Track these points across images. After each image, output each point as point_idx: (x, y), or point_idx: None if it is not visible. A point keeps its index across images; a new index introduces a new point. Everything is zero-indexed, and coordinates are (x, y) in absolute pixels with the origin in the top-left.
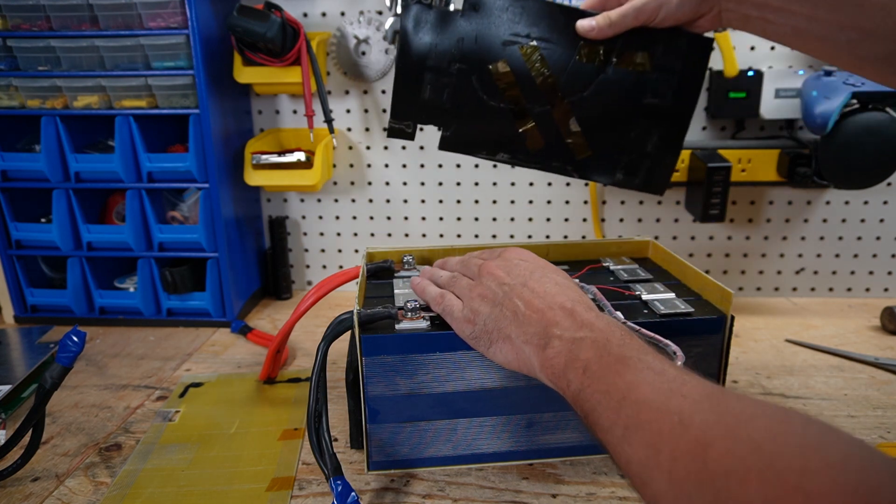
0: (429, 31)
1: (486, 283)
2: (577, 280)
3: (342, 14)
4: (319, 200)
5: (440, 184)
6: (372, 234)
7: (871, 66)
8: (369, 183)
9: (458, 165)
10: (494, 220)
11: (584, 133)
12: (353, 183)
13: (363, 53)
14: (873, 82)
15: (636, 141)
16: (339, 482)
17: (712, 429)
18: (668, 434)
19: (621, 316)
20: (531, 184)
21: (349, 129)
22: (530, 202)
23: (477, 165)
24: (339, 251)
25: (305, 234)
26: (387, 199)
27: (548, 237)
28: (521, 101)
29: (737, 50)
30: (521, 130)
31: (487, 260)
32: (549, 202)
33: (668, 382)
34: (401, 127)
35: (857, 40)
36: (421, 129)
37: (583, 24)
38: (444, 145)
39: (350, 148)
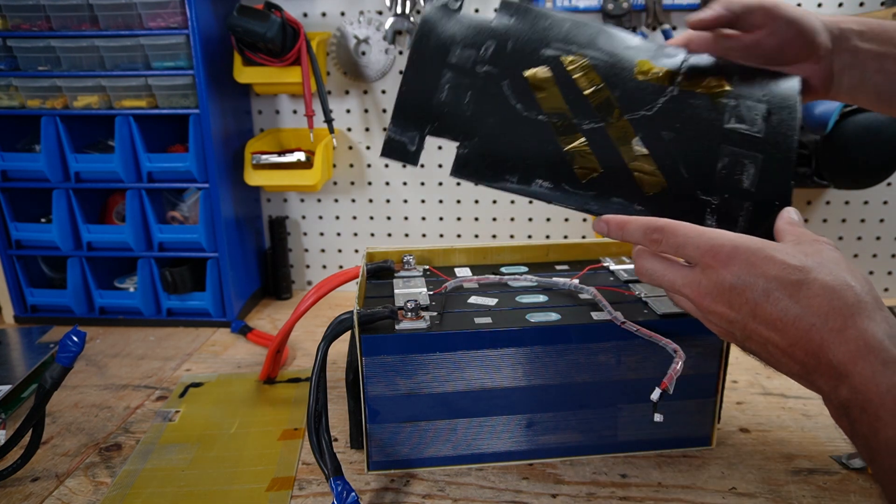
0: (457, 22)
1: (711, 320)
2: (576, 281)
3: (342, 14)
4: (319, 200)
5: (440, 184)
6: (372, 234)
7: None
8: (369, 183)
9: None
10: (494, 220)
11: (653, 159)
12: (353, 183)
13: (363, 53)
14: None
15: (727, 175)
16: (339, 482)
17: None
18: None
19: (621, 316)
20: None
21: (349, 129)
22: (530, 202)
23: None
24: (339, 251)
25: (305, 234)
26: (387, 199)
27: (548, 237)
28: (567, 114)
29: None
30: (566, 149)
31: (688, 282)
32: (549, 202)
33: None
34: (402, 140)
35: None
36: (423, 148)
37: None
38: (460, 168)
39: (350, 148)
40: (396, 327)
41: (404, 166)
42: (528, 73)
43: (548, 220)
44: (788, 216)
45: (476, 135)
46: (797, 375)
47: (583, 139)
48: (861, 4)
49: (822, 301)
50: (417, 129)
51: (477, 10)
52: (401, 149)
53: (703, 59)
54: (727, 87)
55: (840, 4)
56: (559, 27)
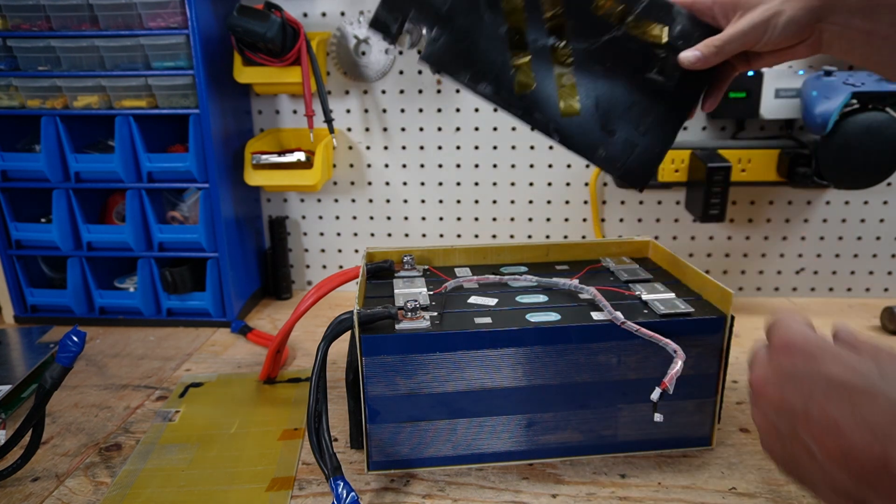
0: None
1: (764, 409)
2: (576, 281)
3: (342, 14)
4: (319, 200)
5: (440, 184)
6: (372, 234)
7: None
8: (369, 183)
9: (458, 165)
10: (494, 220)
11: (576, 87)
12: (353, 183)
13: (363, 53)
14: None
15: (630, 116)
16: (339, 482)
17: None
18: None
19: (621, 316)
20: (531, 184)
21: (349, 129)
22: (530, 202)
23: (477, 165)
24: (339, 251)
25: (305, 234)
26: (387, 199)
27: (548, 237)
28: (523, 30)
29: None
30: (514, 63)
31: (759, 364)
32: (549, 202)
33: None
34: (386, 20)
35: None
36: (406, 33)
37: (686, 55)
38: (428, 56)
39: (350, 148)
40: (396, 327)
41: (404, 166)
42: None
43: (548, 220)
44: (845, 327)
45: (446, 30)
46: (840, 491)
47: (529, 57)
48: None
49: (887, 414)
50: (400, 13)
51: None
52: (384, 27)
53: (658, 5)
54: (664, 40)
55: None
56: None
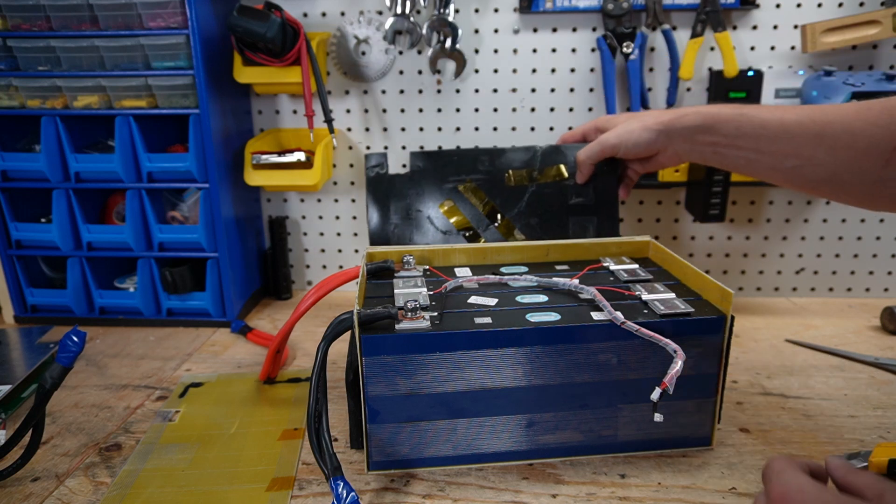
0: (385, 190)
1: None
2: (576, 281)
3: (342, 14)
4: (319, 200)
5: None
6: None
7: (820, 187)
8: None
9: None
10: None
11: (529, 240)
12: (353, 183)
13: (363, 53)
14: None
15: (576, 236)
16: (339, 482)
17: None
18: None
19: (621, 316)
20: None
21: (349, 129)
22: None
23: None
24: (339, 251)
25: (305, 234)
26: None
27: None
28: (471, 227)
29: (737, 50)
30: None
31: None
32: None
33: None
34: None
35: (800, 166)
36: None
37: (577, 176)
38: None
39: (350, 148)
40: (396, 327)
41: (404, 166)
42: (440, 207)
43: None
44: (837, 462)
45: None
46: None
47: (484, 240)
48: (861, 4)
49: None
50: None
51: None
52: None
53: (549, 152)
54: (566, 175)
55: (840, 5)
56: (450, 161)
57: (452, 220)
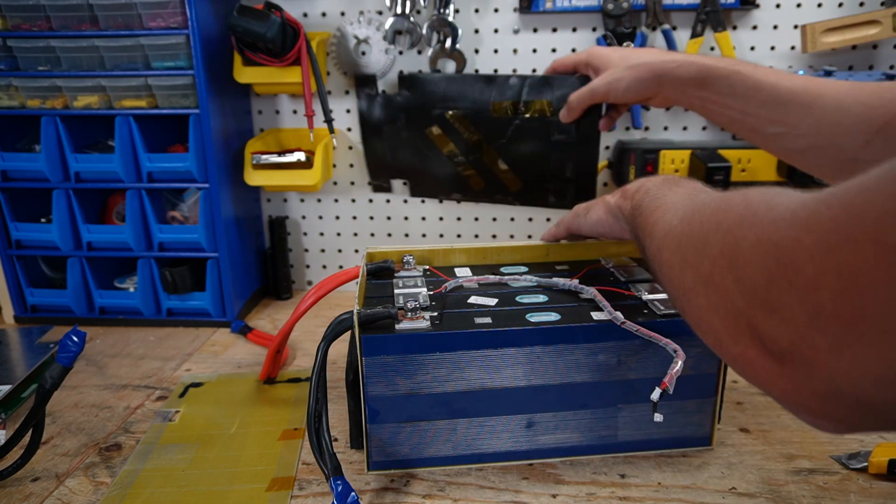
0: (378, 110)
1: (614, 202)
2: (576, 281)
3: (342, 14)
4: (319, 200)
5: None
6: (372, 234)
7: (795, 156)
8: (369, 183)
9: None
10: (494, 220)
11: (512, 170)
12: (353, 183)
13: (363, 53)
14: None
15: (555, 170)
16: (339, 482)
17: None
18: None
19: (621, 316)
20: None
21: (349, 129)
22: None
23: None
24: (339, 251)
25: (305, 234)
26: (387, 200)
27: None
28: (457, 154)
29: (737, 50)
30: (464, 174)
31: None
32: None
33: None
34: (379, 183)
35: (782, 133)
36: (393, 188)
37: (561, 114)
38: (414, 193)
39: (350, 148)
40: (396, 327)
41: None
42: (427, 131)
43: (547, 220)
44: None
45: (414, 174)
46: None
47: (471, 168)
48: (861, 4)
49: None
50: (386, 177)
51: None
52: (380, 188)
53: (535, 84)
54: (549, 111)
55: (840, 5)
56: (438, 87)
57: (439, 143)
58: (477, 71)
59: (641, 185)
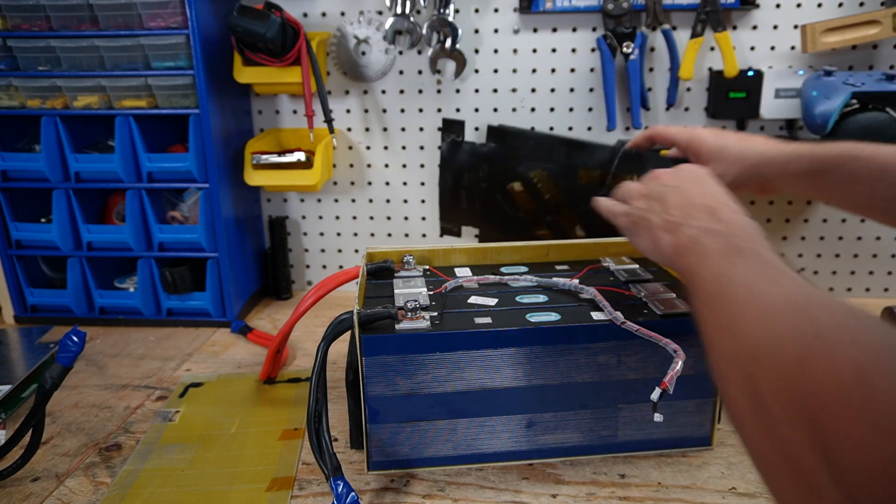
0: (461, 156)
1: (650, 185)
2: (576, 281)
3: (342, 14)
4: (319, 200)
5: None
6: (372, 234)
7: None
8: (369, 183)
9: None
10: None
11: (588, 237)
12: (353, 183)
13: (363, 53)
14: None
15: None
16: (339, 482)
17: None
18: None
19: (621, 316)
20: None
21: (349, 129)
22: None
23: None
24: (339, 251)
25: (305, 234)
26: (387, 199)
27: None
28: (536, 212)
29: (737, 50)
30: (537, 233)
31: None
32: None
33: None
34: (449, 227)
35: None
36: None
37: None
38: (482, 241)
39: (350, 148)
40: (396, 327)
41: (404, 166)
42: (509, 186)
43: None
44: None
45: (487, 224)
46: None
47: (546, 230)
48: (861, 4)
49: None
50: (456, 222)
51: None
52: (449, 231)
53: (628, 158)
54: None
55: (840, 5)
56: (526, 144)
57: (518, 200)
58: (477, 71)
59: (801, 149)
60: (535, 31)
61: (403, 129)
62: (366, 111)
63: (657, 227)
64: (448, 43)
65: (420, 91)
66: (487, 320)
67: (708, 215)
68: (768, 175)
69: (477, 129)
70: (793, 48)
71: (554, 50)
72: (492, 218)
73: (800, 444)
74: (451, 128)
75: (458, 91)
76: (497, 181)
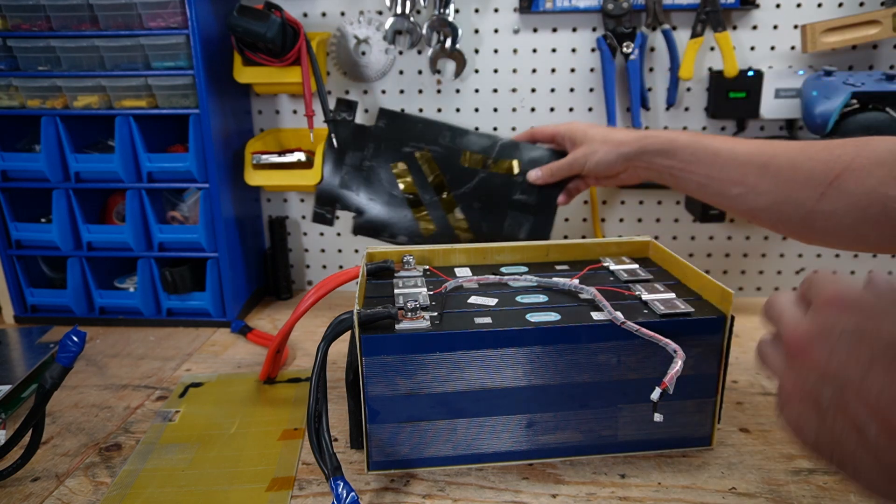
0: (349, 131)
1: (802, 374)
2: (576, 280)
3: (342, 14)
4: None
5: None
6: None
7: (759, 214)
8: (314, 212)
9: None
10: None
11: (466, 220)
12: None
13: (363, 53)
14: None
15: (509, 229)
16: (339, 482)
17: None
18: None
19: (621, 316)
20: None
21: None
22: None
23: None
24: (339, 251)
25: (305, 234)
26: None
27: None
28: (417, 193)
29: (737, 50)
30: (415, 217)
31: (795, 320)
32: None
33: None
34: (322, 212)
35: (744, 193)
36: (338, 218)
37: (531, 174)
38: (356, 231)
39: None
40: (396, 327)
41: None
42: (393, 167)
43: None
44: (883, 275)
45: (364, 210)
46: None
47: (425, 210)
48: (861, 4)
49: None
50: (330, 206)
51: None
52: (321, 217)
53: (508, 146)
54: (516, 171)
55: (840, 5)
56: (414, 127)
57: (401, 182)
58: (477, 71)
59: (657, 133)
60: (535, 31)
61: None
62: (366, 111)
63: (876, 480)
64: (448, 43)
65: (420, 91)
66: (487, 320)
67: None
68: (628, 154)
69: (477, 128)
70: (793, 48)
71: (554, 50)
72: (372, 200)
73: None
74: (342, 105)
75: (458, 91)
76: (381, 160)
